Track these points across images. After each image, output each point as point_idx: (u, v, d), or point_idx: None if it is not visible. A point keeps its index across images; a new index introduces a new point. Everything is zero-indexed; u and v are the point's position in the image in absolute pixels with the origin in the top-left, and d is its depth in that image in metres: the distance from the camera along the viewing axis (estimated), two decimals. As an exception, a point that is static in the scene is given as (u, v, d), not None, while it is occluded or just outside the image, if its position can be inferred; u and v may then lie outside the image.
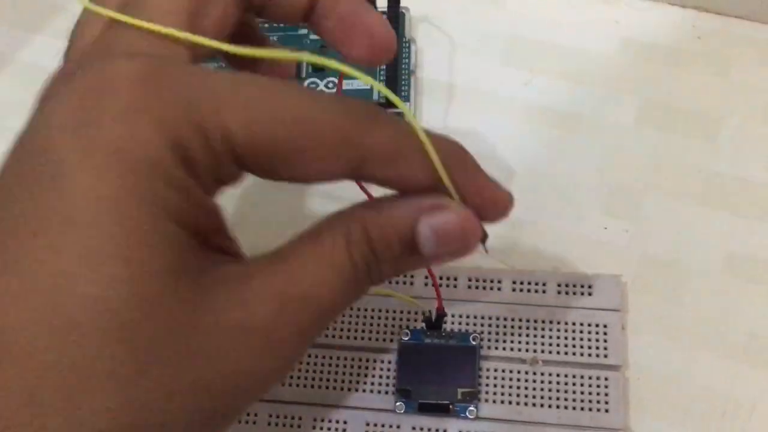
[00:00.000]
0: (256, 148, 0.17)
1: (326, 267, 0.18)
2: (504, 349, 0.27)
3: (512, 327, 0.27)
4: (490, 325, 0.27)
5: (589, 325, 0.26)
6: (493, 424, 0.26)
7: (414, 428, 0.26)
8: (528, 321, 0.27)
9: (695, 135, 0.31)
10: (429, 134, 0.18)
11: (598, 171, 0.31)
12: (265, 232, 0.29)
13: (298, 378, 0.27)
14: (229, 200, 0.28)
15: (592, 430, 0.25)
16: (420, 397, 0.26)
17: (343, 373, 0.27)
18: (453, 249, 0.19)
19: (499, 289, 0.27)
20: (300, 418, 0.26)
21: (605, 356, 0.26)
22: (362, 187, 0.22)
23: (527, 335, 0.27)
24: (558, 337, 0.26)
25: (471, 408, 0.26)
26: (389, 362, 0.27)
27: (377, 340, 0.27)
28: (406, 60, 0.33)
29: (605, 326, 0.26)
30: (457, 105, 0.34)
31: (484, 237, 0.20)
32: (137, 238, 0.16)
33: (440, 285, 0.28)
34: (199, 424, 0.17)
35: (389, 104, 0.32)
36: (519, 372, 0.26)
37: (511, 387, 0.26)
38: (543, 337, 0.26)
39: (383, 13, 0.31)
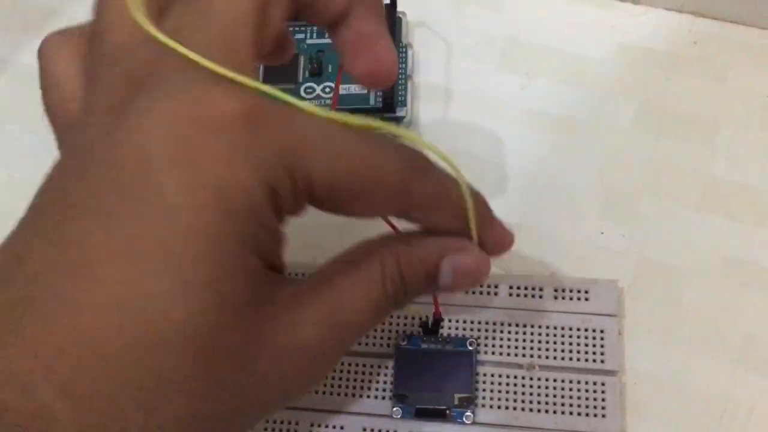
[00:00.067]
0: (332, 192, 0.19)
1: (363, 297, 0.20)
2: (501, 354, 0.27)
3: (509, 332, 0.27)
4: (486, 331, 0.27)
5: (586, 330, 0.26)
6: (490, 430, 0.26)
7: (410, 433, 0.26)
8: (525, 326, 0.27)
9: (692, 139, 0.31)
10: (468, 188, 0.21)
11: (594, 175, 0.31)
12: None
13: (295, 383, 0.27)
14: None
15: (589, 435, 0.25)
16: (417, 402, 0.26)
17: (340, 378, 0.27)
18: (465, 283, 0.23)
19: (495, 294, 0.27)
20: (297, 423, 0.26)
21: (602, 361, 0.26)
22: (388, 222, 0.24)
23: (524, 340, 0.27)
24: (555, 342, 0.26)
25: (468, 413, 0.26)
26: (386, 367, 0.27)
27: (374, 345, 0.27)
28: (403, 65, 0.33)
29: (602, 331, 0.26)
30: (454, 109, 0.34)
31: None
32: (227, 273, 0.17)
33: (437, 290, 0.28)
34: (241, 428, 0.20)
35: (387, 108, 0.32)
36: (516, 377, 0.26)
37: (507, 392, 0.26)
38: (540, 342, 0.26)
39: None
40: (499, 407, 0.26)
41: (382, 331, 0.27)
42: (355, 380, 0.27)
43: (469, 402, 0.26)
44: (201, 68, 0.17)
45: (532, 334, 0.27)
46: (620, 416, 0.25)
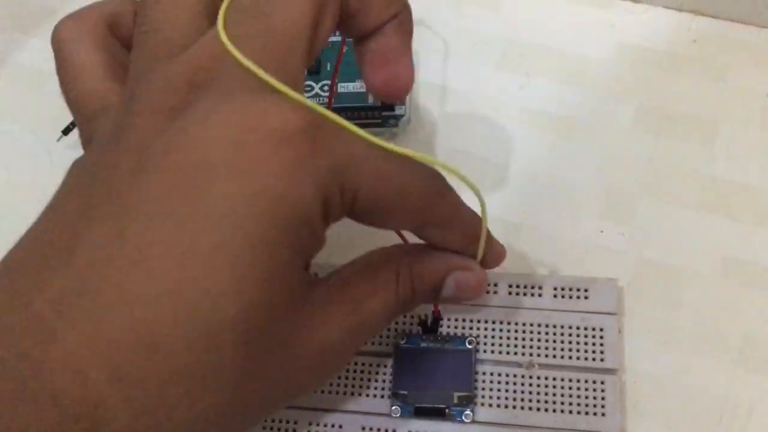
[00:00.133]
0: (370, 206, 0.20)
1: (379, 301, 0.22)
2: (500, 352, 0.26)
3: (508, 331, 0.27)
4: (486, 329, 0.27)
5: (586, 328, 0.26)
6: (490, 428, 0.25)
7: (410, 432, 0.26)
8: (524, 324, 0.27)
9: (691, 139, 0.31)
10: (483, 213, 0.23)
11: (594, 174, 0.31)
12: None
13: (294, 382, 0.27)
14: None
15: (589, 434, 0.25)
16: (416, 401, 0.26)
17: (339, 377, 0.27)
18: (465, 297, 0.24)
19: (495, 292, 0.27)
20: (295, 422, 0.26)
21: (602, 360, 0.26)
22: (400, 234, 0.25)
23: (523, 339, 0.27)
24: (554, 341, 0.26)
25: (467, 412, 0.25)
26: (385, 366, 0.27)
27: (373, 343, 0.27)
28: (402, 63, 0.33)
29: (601, 330, 0.26)
30: (453, 109, 0.34)
31: None
32: (278, 275, 0.18)
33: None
34: (264, 416, 0.22)
35: (385, 107, 0.32)
36: (515, 376, 0.26)
37: (507, 391, 0.26)
38: (539, 340, 0.26)
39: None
40: (498, 406, 0.26)
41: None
42: (354, 379, 0.27)
43: (469, 401, 0.26)
44: (257, 77, 0.18)
45: (531, 332, 0.27)
46: (620, 415, 0.25)
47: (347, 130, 0.19)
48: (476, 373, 0.26)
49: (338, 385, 0.27)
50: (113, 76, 0.22)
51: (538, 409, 0.25)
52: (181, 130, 0.18)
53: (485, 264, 0.24)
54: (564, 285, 0.27)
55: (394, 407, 0.26)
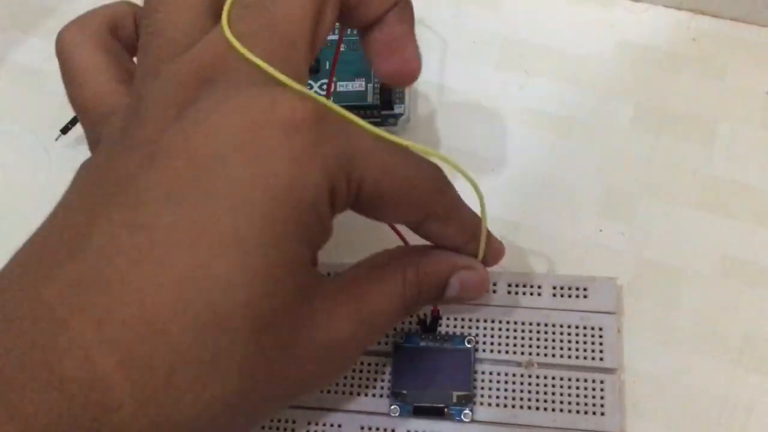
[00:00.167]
0: (375, 195, 0.20)
1: (386, 301, 0.23)
2: (499, 352, 0.26)
3: (507, 330, 0.27)
4: (485, 328, 0.27)
5: (585, 327, 0.26)
6: (489, 428, 0.25)
7: (409, 431, 0.26)
8: (523, 324, 0.27)
9: (691, 138, 0.31)
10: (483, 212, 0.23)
11: (593, 173, 0.31)
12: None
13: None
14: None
15: (588, 433, 0.25)
16: (415, 400, 0.26)
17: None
18: (468, 297, 0.25)
19: (494, 291, 0.27)
20: (294, 422, 0.26)
21: (601, 359, 0.26)
22: (399, 234, 0.26)
23: (522, 338, 0.26)
24: (553, 340, 0.26)
25: (466, 411, 0.25)
26: (384, 365, 0.27)
27: (372, 343, 0.27)
28: (402, 62, 0.33)
29: (601, 329, 0.26)
30: (452, 108, 0.34)
31: None
32: (288, 263, 0.18)
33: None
34: (271, 412, 0.22)
35: (385, 106, 0.32)
36: (514, 375, 0.26)
37: (506, 390, 0.26)
38: (538, 339, 0.26)
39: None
40: (497, 405, 0.26)
41: (380, 329, 0.27)
42: (353, 378, 0.27)
43: (468, 400, 0.26)
44: (263, 71, 0.19)
45: (530, 331, 0.27)
46: (619, 414, 0.25)
47: (352, 123, 0.19)
48: (475, 372, 0.26)
49: (337, 385, 0.27)
50: (119, 78, 0.23)
51: (538, 409, 0.25)
52: (191, 121, 0.18)
53: (485, 262, 0.25)
54: (563, 284, 0.27)
55: (393, 406, 0.26)
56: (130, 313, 0.17)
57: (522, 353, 0.26)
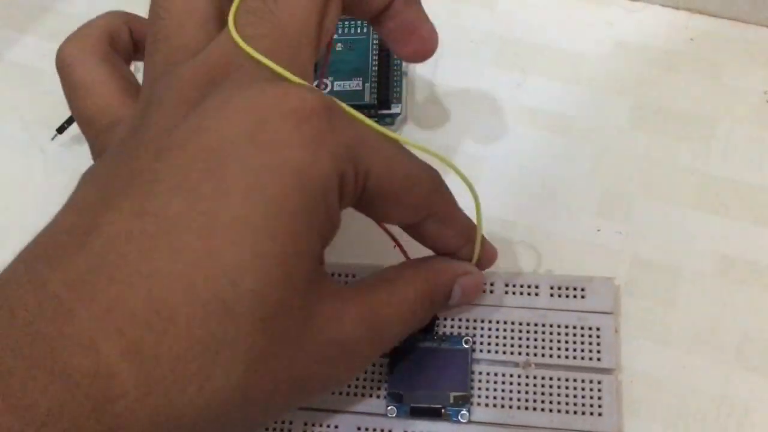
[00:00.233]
0: (379, 189, 0.21)
1: (397, 311, 0.23)
2: (496, 352, 0.26)
3: (505, 330, 0.27)
4: (482, 329, 0.27)
5: (582, 328, 0.26)
6: (486, 428, 0.25)
7: (406, 432, 0.26)
8: (520, 324, 0.27)
9: (688, 137, 0.31)
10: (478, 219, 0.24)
11: (590, 173, 0.31)
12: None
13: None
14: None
15: (585, 433, 0.25)
16: (412, 401, 0.26)
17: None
18: (467, 300, 0.26)
19: (491, 291, 0.27)
20: (290, 423, 0.26)
21: (598, 359, 0.26)
22: (384, 228, 0.26)
23: (520, 338, 0.26)
24: (551, 340, 0.26)
25: (463, 412, 0.25)
26: (381, 366, 0.26)
27: (369, 343, 0.27)
28: (398, 62, 0.33)
29: (598, 329, 0.26)
30: (449, 107, 0.34)
31: None
32: (297, 252, 0.18)
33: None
34: (276, 412, 0.21)
35: (382, 105, 0.32)
36: (511, 375, 0.26)
37: (503, 390, 0.26)
38: (536, 340, 0.26)
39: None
40: (494, 406, 0.26)
41: (377, 329, 0.27)
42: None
43: (465, 400, 0.25)
44: (271, 70, 0.20)
45: (528, 331, 0.26)
46: (617, 415, 0.25)
47: (357, 119, 0.20)
48: (472, 372, 0.26)
49: (334, 385, 0.26)
50: (122, 89, 0.23)
51: (535, 409, 0.25)
52: (201, 115, 0.19)
53: (480, 265, 0.25)
54: (560, 284, 0.27)
55: (389, 407, 0.26)
56: (137, 302, 0.17)
57: (519, 353, 0.26)
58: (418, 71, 0.34)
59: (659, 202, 0.30)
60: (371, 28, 0.34)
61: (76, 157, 0.34)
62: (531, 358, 0.26)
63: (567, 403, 0.25)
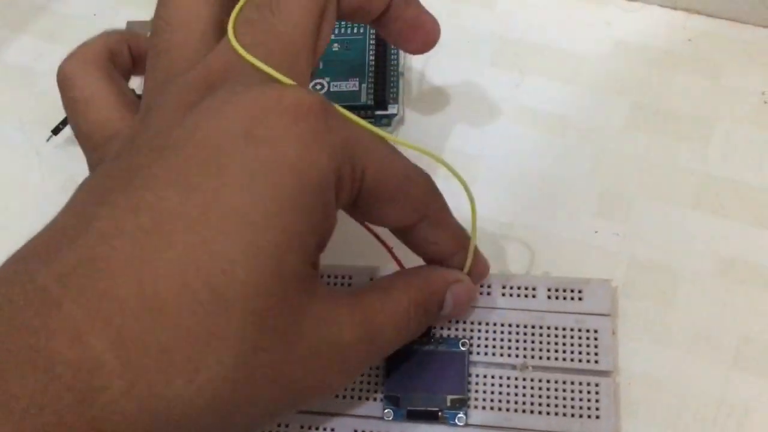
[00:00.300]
0: (376, 189, 0.21)
1: (393, 320, 0.23)
2: (494, 354, 0.26)
3: (502, 332, 0.26)
4: (479, 331, 0.27)
5: (580, 330, 0.26)
6: (483, 431, 0.25)
7: (402, 435, 0.26)
8: (518, 326, 0.26)
9: (686, 137, 0.31)
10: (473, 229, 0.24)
11: (588, 174, 0.31)
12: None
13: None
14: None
15: (583, 436, 0.25)
16: (408, 404, 0.26)
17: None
18: (460, 310, 0.26)
19: (488, 293, 0.27)
20: (287, 426, 0.26)
21: (596, 362, 0.26)
22: (369, 229, 0.25)
23: (517, 341, 0.26)
24: (548, 343, 0.26)
25: (460, 415, 0.25)
26: (377, 368, 0.26)
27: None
28: (395, 62, 0.33)
29: (596, 331, 0.26)
30: (446, 107, 0.33)
31: None
32: (290, 245, 0.18)
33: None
34: (268, 415, 0.20)
35: (379, 105, 0.32)
36: (509, 378, 0.26)
37: (500, 393, 0.26)
38: (533, 342, 0.26)
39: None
40: (492, 408, 0.25)
41: (374, 331, 0.27)
42: (346, 381, 0.26)
43: (462, 403, 0.25)
44: (268, 75, 0.20)
45: (525, 334, 0.26)
46: (614, 417, 0.25)
47: (352, 120, 0.21)
48: (469, 375, 0.26)
49: (330, 388, 0.26)
50: (122, 104, 0.24)
51: (532, 412, 0.25)
52: (199, 115, 0.19)
53: (471, 277, 0.25)
54: (558, 286, 0.27)
55: (386, 410, 0.26)
56: (126, 293, 0.17)
57: (516, 356, 0.26)
58: (416, 71, 0.34)
59: (658, 203, 0.30)
60: (368, 28, 0.34)
61: (71, 158, 0.34)
62: (528, 361, 0.26)
63: (564, 406, 0.25)
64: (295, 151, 0.18)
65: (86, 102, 0.23)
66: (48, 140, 0.34)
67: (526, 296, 0.27)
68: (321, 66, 0.33)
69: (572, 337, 0.26)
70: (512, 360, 0.26)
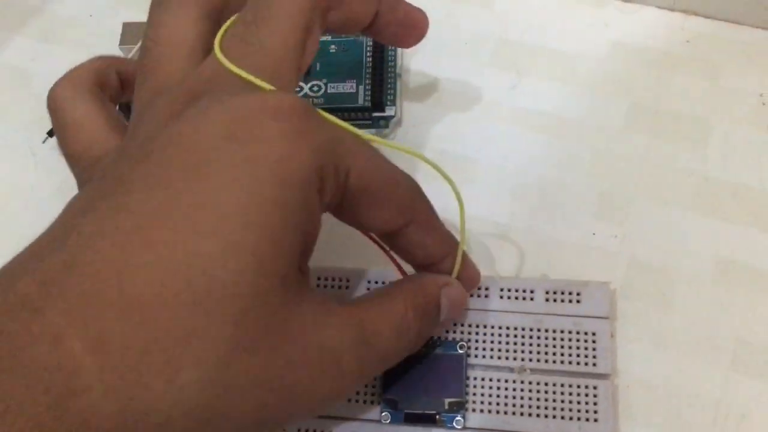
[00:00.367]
0: (358, 191, 0.21)
1: (389, 320, 0.22)
2: (491, 357, 0.26)
3: (500, 335, 0.26)
4: (477, 334, 0.26)
5: (578, 332, 0.26)
6: (481, 435, 0.25)
7: (400, 439, 0.25)
8: (516, 329, 0.26)
9: (684, 139, 0.31)
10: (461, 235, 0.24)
11: (587, 175, 0.31)
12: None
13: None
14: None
15: (581, 439, 0.25)
16: (406, 407, 0.25)
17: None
18: (454, 315, 0.25)
19: (486, 296, 0.27)
20: (284, 429, 0.26)
21: (594, 364, 0.26)
22: (367, 235, 0.25)
23: (515, 343, 0.26)
24: (546, 345, 0.26)
25: (458, 418, 0.25)
26: (375, 371, 0.26)
27: (363, 348, 0.27)
28: (393, 62, 0.33)
29: (594, 334, 0.26)
30: (444, 108, 0.33)
31: None
32: (272, 242, 0.18)
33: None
34: (253, 422, 0.19)
35: (376, 107, 0.32)
36: (507, 381, 0.26)
37: (498, 396, 0.25)
38: (531, 345, 0.26)
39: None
40: (490, 412, 0.25)
41: (371, 334, 0.27)
42: (344, 384, 0.26)
43: (460, 406, 0.25)
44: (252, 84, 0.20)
45: (523, 337, 0.26)
46: (613, 420, 0.25)
47: (335, 123, 0.21)
48: (467, 378, 0.26)
49: (327, 391, 0.26)
50: (110, 126, 0.24)
51: (530, 415, 0.25)
52: (183, 120, 0.19)
53: (462, 282, 0.25)
54: (556, 288, 0.27)
55: (383, 413, 0.26)
56: (106, 296, 0.16)
57: (514, 359, 0.26)
58: (413, 73, 0.34)
59: (656, 205, 0.30)
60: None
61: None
62: (526, 364, 0.26)
63: (563, 409, 0.25)
64: (276, 149, 0.18)
65: (75, 125, 0.24)
66: (44, 141, 0.34)
67: (524, 299, 0.27)
68: (318, 67, 0.33)
69: (570, 340, 0.26)
70: (510, 363, 0.26)
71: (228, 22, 0.23)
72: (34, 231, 0.19)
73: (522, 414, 0.25)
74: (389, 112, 0.32)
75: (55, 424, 0.15)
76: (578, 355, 0.26)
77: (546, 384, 0.25)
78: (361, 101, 0.32)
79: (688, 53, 0.33)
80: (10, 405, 0.15)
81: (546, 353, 0.26)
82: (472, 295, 0.27)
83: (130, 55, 0.33)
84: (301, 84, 0.32)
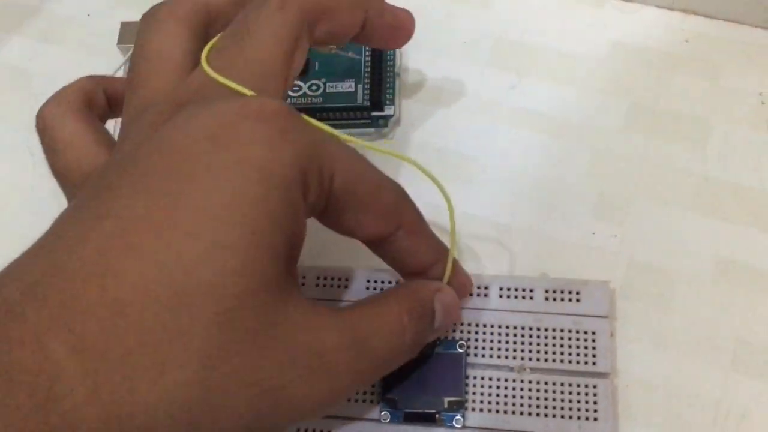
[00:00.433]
0: (344, 195, 0.21)
1: (383, 322, 0.22)
2: (491, 356, 0.26)
3: (499, 334, 0.26)
4: (477, 333, 0.26)
5: (578, 332, 0.26)
6: (480, 434, 0.25)
7: (399, 438, 0.25)
8: (515, 328, 0.26)
9: (684, 139, 0.31)
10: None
11: (586, 175, 0.31)
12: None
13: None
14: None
15: (581, 439, 0.25)
16: (406, 406, 0.25)
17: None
18: (449, 321, 0.25)
19: (486, 295, 0.27)
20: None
21: (594, 364, 0.26)
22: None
23: (515, 342, 0.26)
24: (546, 345, 0.26)
25: (458, 417, 0.25)
26: (374, 370, 0.26)
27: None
28: (391, 62, 0.33)
29: (593, 333, 0.26)
30: (442, 108, 0.33)
31: None
32: (256, 243, 0.18)
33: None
34: (244, 426, 0.19)
35: (375, 107, 0.32)
36: (506, 380, 0.26)
37: (498, 395, 0.25)
38: (530, 344, 0.26)
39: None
40: (489, 411, 0.25)
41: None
42: (343, 384, 0.26)
43: (459, 405, 0.25)
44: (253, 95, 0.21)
45: (522, 336, 0.26)
46: (612, 419, 0.25)
47: (317, 127, 0.21)
48: (467, 377, 0.26)
49: (326, 390, 0.26)
50: (99, 142, 0.24)
51: (530, 414, 0.25)
52: (168, 127, 0.19)
53: (454, 288, 0.25)
54: (555, 288, 0.27)
55: (383, 413, 0.25)
56: (90, 299, 0.16)
57: (514, 358, 0.26)
58: (412, 72, 0.34)
59: (655, 205, 0.30)
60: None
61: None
62: (526, 363, 0.26)
63: (562, 408, 0.25)
64: (259, 151, 0.18)
65: (64, 144, 0.24)
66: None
67: (523, 298, 0.27)
68: (317, 67, 0.33)
69: (570, 339, 0.26)
70: (510, 362, 0.26)
71: (216, 38, 0.23)
72: (33, 231, 0.19)
73: (522, 413, 0.25)
74: (388, 111, 0.32)
75: (38, 427, 0.15)
76: (578, 354, 0.26)
77: (546, 383, 0.25)
78: (360, 100, 0.32)
79: (687, 53, 0.33)
80: None
81: (546, 352, 0.26)
82: (471, 294, 0.27)
83: (126, 55, 0.33)
84: (300, 83, 0.32)
